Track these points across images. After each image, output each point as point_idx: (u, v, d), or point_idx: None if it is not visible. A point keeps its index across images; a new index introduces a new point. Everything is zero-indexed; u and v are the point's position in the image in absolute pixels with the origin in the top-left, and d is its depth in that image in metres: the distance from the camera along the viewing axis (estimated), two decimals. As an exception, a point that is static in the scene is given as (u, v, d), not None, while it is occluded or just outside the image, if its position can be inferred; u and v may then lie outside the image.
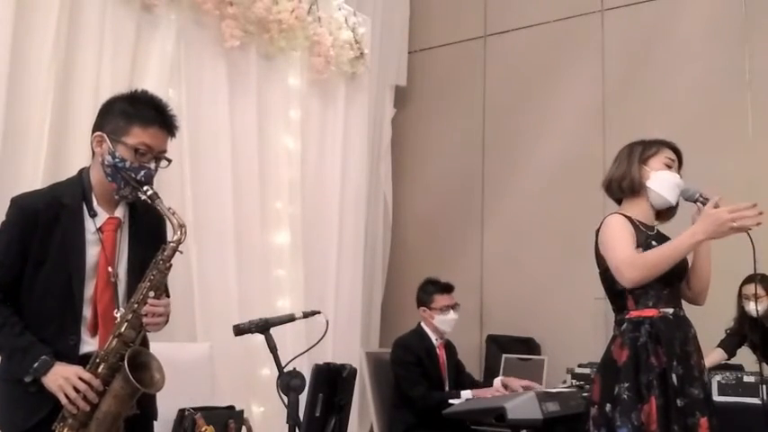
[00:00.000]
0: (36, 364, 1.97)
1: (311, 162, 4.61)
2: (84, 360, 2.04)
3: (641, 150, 2.62)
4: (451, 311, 3.98)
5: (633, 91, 4.70)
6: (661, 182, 2.56)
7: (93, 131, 2.16)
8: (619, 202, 2.71)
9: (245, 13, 4.08)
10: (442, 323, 3.97)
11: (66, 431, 1.98)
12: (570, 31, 5.02)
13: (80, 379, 1.98)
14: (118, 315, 2.08)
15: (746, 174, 4.24)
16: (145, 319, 2.05)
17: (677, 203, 2.60)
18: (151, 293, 2.07)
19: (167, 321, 2.13)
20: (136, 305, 2.06)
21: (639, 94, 4.67)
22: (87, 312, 2.09)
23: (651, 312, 2.49)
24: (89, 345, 2.08)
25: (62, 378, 1.97)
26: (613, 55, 4.83)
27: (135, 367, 1.99)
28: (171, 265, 2.12)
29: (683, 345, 2.48)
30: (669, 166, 2.60)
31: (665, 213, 2.65)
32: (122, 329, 2.04)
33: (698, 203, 2.51)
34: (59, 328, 2.06)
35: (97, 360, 2.03)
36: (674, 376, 2.41)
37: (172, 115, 2.19)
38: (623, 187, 2.61)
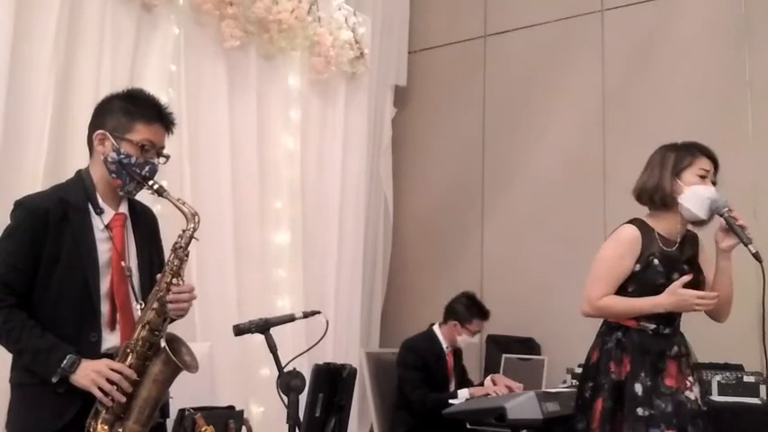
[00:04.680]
0: (64, 363, 1.97)
1: (311, 162, 4.61)
2: (106, 357, 2.05)
3: (674, 161, 2.53)
4: (477, 336, 4.05)
5: (633, 91, 4.69)
6: (694, 198, 2.48)
7: (92, 130, 2.19)
8: (650, 208, 2.65)
9: (244, 13, 4.08)
10: (463, 341, 3.99)
11: (101, 426, 1.98)
12: (570, 31, 5.01)
13: (112, 370, 1.98)
14: (138, 307, 2.11)
15: (746, 174, 4.24)
16: (170, 306, 2.08)
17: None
18: (174, 281, 2.10)
19: (189, 308, 2.17)
20: (160, 293, 2.09)
21: (639, 94, 4.66)
22: (104, 308, 2.10)
23: (629, 323, 2.51)
24: (109, 341, 2.10)
25: (94, 372, 1.98)
26: (613, 55, 4.83)
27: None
28: (188, 253, 2.15)
29: (657, 361, 2.47)
30: (703, 177, 2.51)
31: (697, 222, 2.58)
32: (149, 318, 2.07)
33: (723, 217, 2.46)
34: (79, 326, 2.07)
35: (127, 350, 2.04)
36: (639, 386, 2.42)
37: (170, 113, 2.25)
38: (654, 200, 2.55)
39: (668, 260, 2.53)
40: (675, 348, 2.52)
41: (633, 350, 2.45)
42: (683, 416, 2.42)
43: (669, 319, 2.53)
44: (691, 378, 2.52)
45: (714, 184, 2.55)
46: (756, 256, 2.40)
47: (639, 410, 2.38)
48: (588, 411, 2.45)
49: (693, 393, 2.49)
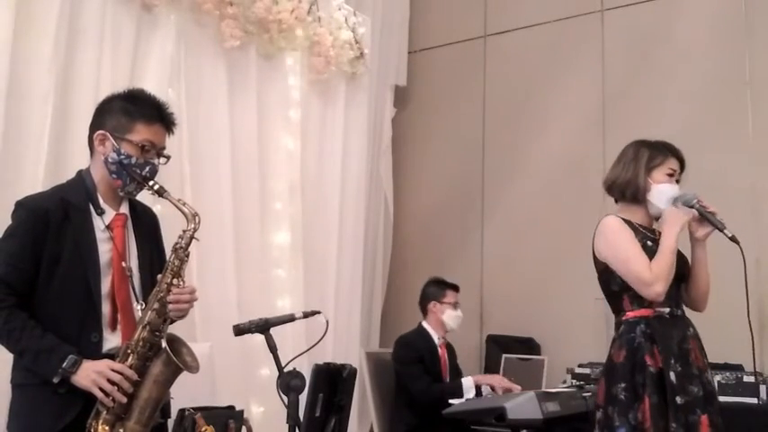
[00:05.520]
0: (65, 364, 1.97)
1: (311, 162, 4.61)
2: (107, 358, 2.05)
3: (647, 158, 2.62)
4: (459, 309, 4.09)
5: (633, 91, 4.70)
6: (660, 195, 2.59)
7: (93, 131, 2.19)
8: (617, 200, 2.73)
9: (245, 13, 4.08)
10: (451, 318, 4.04)
11: (102, 426, 1.98)
12: (570, 31, 5.01)
13: (112, 370, 1.99)
14: (138, 308, 2.12)
15: (746, 174, 4.24)
16: (170, 306, 2.09)
17: None
18: (174, 281, 2.11)
19: (190, 308, 2.17)
20: (161, 294, 2.09)
21: (639, 94, 4.67)
22: (105, 309, 2.11)
23: (647, 312, 2.51)
24: (110, 342, 2.10)
25: (94, 372, 1.98)
26: (613, 55, 4.83)
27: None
28: (189, 253, 2.16)
29: (682, 343, 2.49)
30: (671, 176, 2.62)
31: (658, 218, 2.68)
32: (150, 319, 2.07)
33: (695, 208, 2.54)
34: (80, 326, 2.07)
35: (128, 351, 2.04)
36: (672, 374, 2.42)
37: (171, 113, 2.25)
38: (626, 193, 2.64)
39: (658, 244, 2.58)
40: (691, 329, 2.55)
41: (660, 339, 2.46)
42: (707, 396, 2.46)
43: (677, 300, 2.57)
44: (705, 359, 2.56)
45: (678, 182, 2.66)
46: (733, 239, 2.48)
47: (678, 399, 2.39)
48: (631, 412, 2.41)
49: (708, 375, 2.54)
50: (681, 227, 2.52)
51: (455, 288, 4.14)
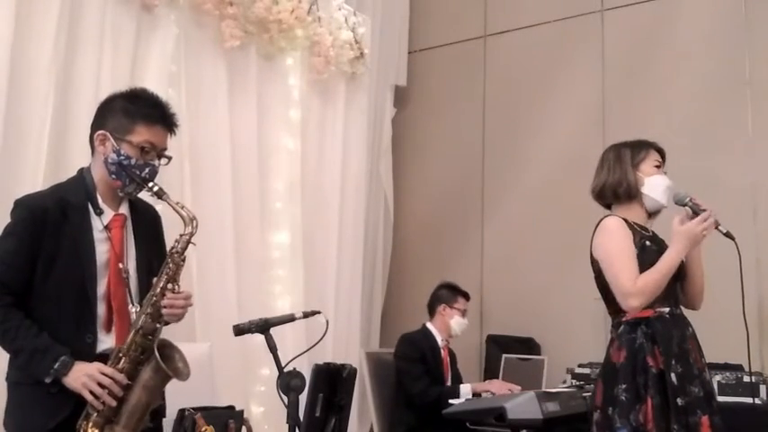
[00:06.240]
0: (56, 365, 1.97)
1: (311, 162, 4.61)
2: (101, 358, 2.05)
3: (631, 155, 2.64)
4: (466, 318, 4.14)
5: (633, 91, 4.69)
6: (654, 187, 2.60)
7: (94, 130, 2.18)
8: (608, 207, 2.72)
9: (245, 13, 4.08)
10: (458, 324, 4.08)
11: (91, 428, 1.98)
12: (570, 31, 5.01)
13: (103, 374, 1.98)
14: (134, 310, 2.10)
15: (746, 174, 4.24)
16: (164, 311, 2.08)
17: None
18: (169, 285, 2.10)
19: (185, 313, 2.16)
20: (155, 298, 2.08)
21: (639, 94, 4.66)
22: (101, 310, 2.10)
23: (647, 313, 2.50)
24: (105, 343, 2.10)
25: (85, 375, 1.98)
26: (613, 55, 4.83)
27: (161, 358, 2.02)
28: (185, 258, 2.15)
29: (681, 343, 2.49)
30: (658, 167, 2.64)
31: (653, 213, 2.68)
32: (143, 323, 2.06)
33: (687, 207, 2.54)
34: (75, 327, 2.07)
35: (120, 354, 2.04)
36: (673, 375, 2.41)
37: (173, 113, 2.23)
38: (619, 193, 2.64)
39: (657, 242, 2.58)
40: (690, 328, 2.55)
41: (661, 339, 2.45)
42: (707, 397, 2.46)
43: (676, 299, 2.57)
44: (704, 359, 2.56)
45: (665, 173, 2.67)
46: (728, 235, 2.49)
47: (679, 400, 2.39)
48: (632, 413, 2.40)
49: (706, 375, 2.54)
50: (689, 249, 2.49)
51: (467, 296, 4.18)
